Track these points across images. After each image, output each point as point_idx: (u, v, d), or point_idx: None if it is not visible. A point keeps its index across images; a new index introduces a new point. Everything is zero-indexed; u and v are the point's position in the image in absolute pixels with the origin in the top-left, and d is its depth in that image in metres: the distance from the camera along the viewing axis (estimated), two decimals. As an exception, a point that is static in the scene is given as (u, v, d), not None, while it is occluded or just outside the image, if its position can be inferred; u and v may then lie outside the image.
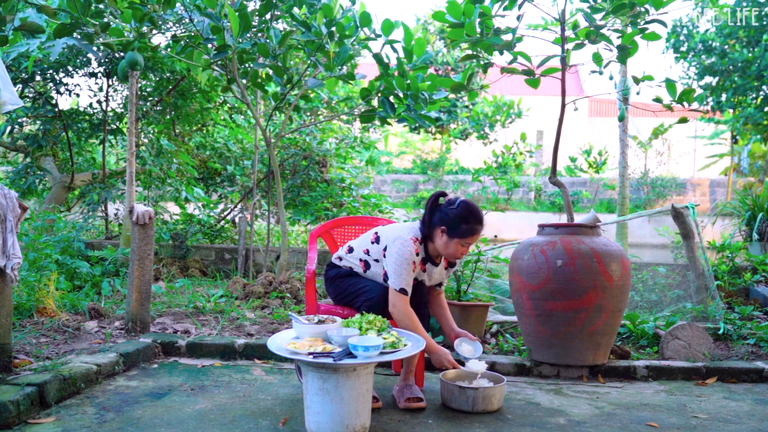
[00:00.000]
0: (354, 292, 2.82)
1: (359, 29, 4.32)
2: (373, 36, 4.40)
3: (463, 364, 2.90)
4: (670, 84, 3.67)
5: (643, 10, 3.59)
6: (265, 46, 4.12)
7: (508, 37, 3.69)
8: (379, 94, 4.55)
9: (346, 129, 8.27)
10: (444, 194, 2.81)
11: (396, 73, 4.43)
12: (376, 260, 2.82)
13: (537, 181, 17.98)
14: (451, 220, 2.68)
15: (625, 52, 3.67)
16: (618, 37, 3.72)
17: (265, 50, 4.14)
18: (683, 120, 3.83)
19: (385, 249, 2.76)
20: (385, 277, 2.76)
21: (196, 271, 5.87)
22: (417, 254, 2.71)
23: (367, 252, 2.85)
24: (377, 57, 4.39)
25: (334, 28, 4.16)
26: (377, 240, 2.83)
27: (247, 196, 7.27)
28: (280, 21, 4.79)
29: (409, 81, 4.36)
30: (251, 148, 7.33)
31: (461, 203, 2.72)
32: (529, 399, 2.93)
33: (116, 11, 3.86)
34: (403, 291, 2.65)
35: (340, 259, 2.96)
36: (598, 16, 3.65)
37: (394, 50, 4.38)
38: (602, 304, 3.15)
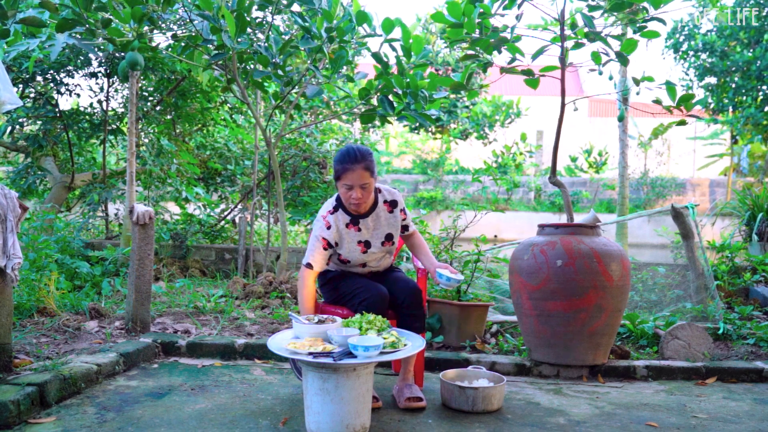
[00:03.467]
0: (350, 294, 2.81)
1: (356, 27, 4.32)
2: (372, 34, 4.40)
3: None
4: (670, 87, 3.67)
5: (641, 8, 3.59)
6: (265, 57, 4.13)
7: (505, 34, 3.69)
8: (379, 93, 4.55)
9: (347, 130, 8.27)
10: None
11: (395, 71, 4.43)
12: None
13: (537, 181, 17.98)
14: (333, 166, 2.78)
15: (623, 58, 3.68)
16: (617, 40, 3.72)
17: (265, 60, 4.14)
18: (682, 122, 3.83)
19: None
20: (360, 257, 2.85)
21: (196, 271, 5.87)
22: (328, 228, 2.77)
23: None
24: (376, 56, 4.39)
25: (334, 33, 4.17)
26: None
27: (247, 196, 7.27)
28: (279, 16, 4.77)
29: (408, 79, 4.36)
30: (251, 148, 7.33)
31: (341, 148, 2.79)
32: (529, 399, 2.93)
33: (118, 5, 3.85)
34: (308, 265, 2.76)
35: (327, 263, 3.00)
36: (596, 14, 3.65)
37: (393, 49, 4.38)
38: (602, 304, 3.15)
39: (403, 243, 3.13)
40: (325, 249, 2.76)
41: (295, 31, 4.50)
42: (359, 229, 2.83)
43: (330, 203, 2.86)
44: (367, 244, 2.85)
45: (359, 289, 2.78)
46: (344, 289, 2.86)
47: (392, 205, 2.91)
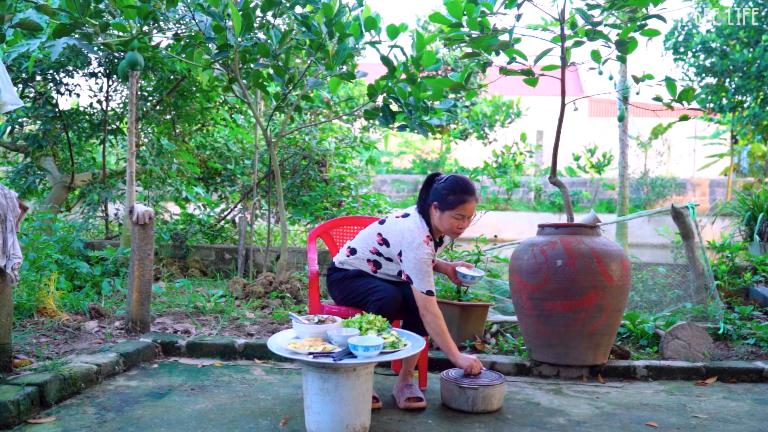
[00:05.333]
0: (365, 292, 2.77)
1: (364, 33, 4.34)
2: (378, 40, 4.41)
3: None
4: (670, 83, 3.67)
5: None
6: (265, 46, 4.13)
7: (505, 37, 3.69)
8: (384, 94, 4.56)
9: (346, 129, 8.27)
10: (438, 174, 2.84)
11: (402, 76, 4.44)
12: (389, 259, 2.82)
13: (537, 181, 17.98)
14: (440, 194, 2.72)
15: (624, 48, 3.67)
16: (616, 33, 3.72)
17: (265, 50, 4.15)
18: (684, 118, 3.83)
19: (400, 254, 2.75)
20: (401, 275, 2.81)
21: (196, 271, 5.87)
22: (434, 252, 2.75)
23: (377, 252, 2.83)
24: (385, 59, 4.40)
25: (334, 27, 4.17)
26: (385, 242, 2.80)
27: (247, 195, 7.28)
28: (284, 17, 4.78)
29: (410, 89, 4.37)
30: (251, 147, 7.33)
31: (449, 177, 2.77)
32: (529, 399, 2.93)
33: (116, 11, 3.86)
34: (430, 293, 2.69)
35: (343, 263, 2.93)
36: (596, 12, 3.65)
37: (403, 53, 4.39)
38: (602, 304, 3.15)
39: None
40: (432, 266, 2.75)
41: (297, 28, 4.50)
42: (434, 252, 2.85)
43: (421, 231, 2.73)
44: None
45: (376, 288, 2.74)
46: (359, 288, 2.81)
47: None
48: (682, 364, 3.37)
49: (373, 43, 4.49)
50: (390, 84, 4.42)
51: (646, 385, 3.21)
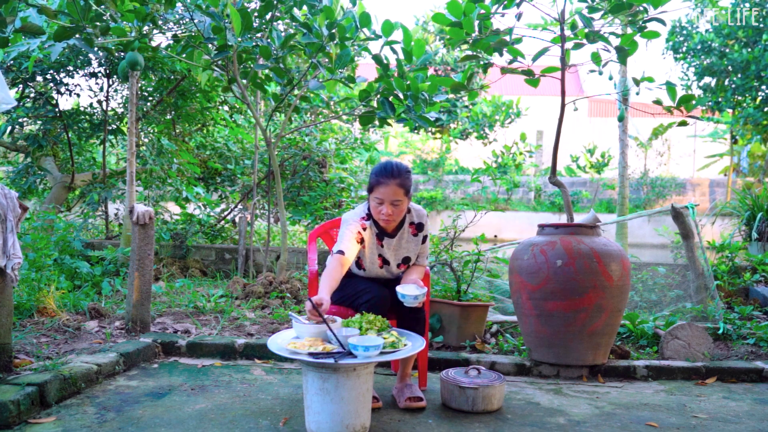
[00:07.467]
0: (354, 295, 2.79)
1: (359, 30, 4.33)
2: (372, 36, 4.41)
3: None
4: (670, 87, 3.66)
5: (641, 9, 3.59)
6: (267, 48, 4.13)
7: (505, 37, 3.69)
8: (379, 95, 4.55)
9: (346, 129, 8.28)
10: None
11: (396, 74, 4.42)
12: None
13: (537, 181, 17.98)
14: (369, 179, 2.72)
15: (623, 53, 3.68)
16: (617, 38, 3.72)
17: (266, 52, 4.15)
18: (683, 123, 3.83)
19: None
20: (387, 270, 2.82)
21: (196, 271, 5.87)
22: (364, 229, 2.71)
23: None
24: (377, 58, 4.39)
25: (335, 30, 4.17)
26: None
27: (248, 195, 7.28)
28: (279, 22, 4.79)
29: (408, 82, 4.35)
30: (251, 148, 7.33)
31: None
32: (529, 399, 2.93)
33: (116, 14, 3.86)
34: (339, 252, 2.62)
35: None
36: (596, 16, 3.65)
37: (394, 51, 4.38)
38: (602, 304, 3.15)
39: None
40: (358, 242, 2.68)
41: (296, 29, 4.50)
42: (382, 246, 2.80)
43: (362, 210, 2.77)
44: (385, 261, 2.83)
45: (364, 289, 2.75)
46: (349, 290, 2.83)
47: (418, 228, 2.86)
48: (681, 364, 3.37)
49: (364, 46, 4.47)
50: (388, 78, 4.40)
51: (646, 385, 3.22)
